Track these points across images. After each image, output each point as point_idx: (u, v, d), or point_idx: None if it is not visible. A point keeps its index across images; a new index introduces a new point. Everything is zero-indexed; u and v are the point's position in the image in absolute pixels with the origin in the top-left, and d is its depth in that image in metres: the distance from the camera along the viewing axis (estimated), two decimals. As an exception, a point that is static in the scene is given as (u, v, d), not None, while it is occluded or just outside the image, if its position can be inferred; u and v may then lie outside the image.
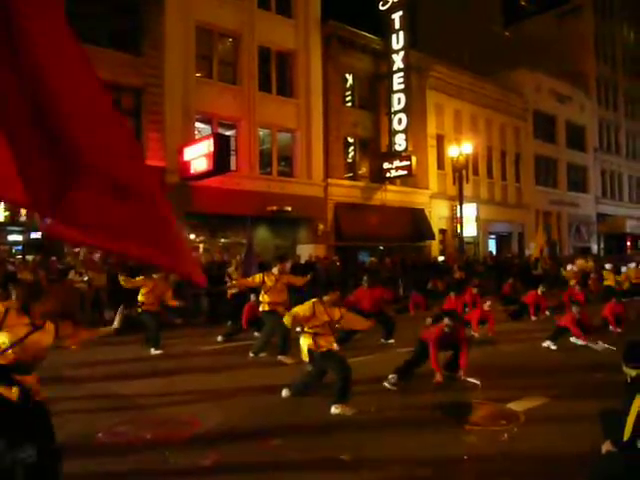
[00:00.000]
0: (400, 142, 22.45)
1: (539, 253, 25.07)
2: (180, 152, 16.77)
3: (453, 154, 23.32)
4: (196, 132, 18.01)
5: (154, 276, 9.47)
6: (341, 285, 7.24)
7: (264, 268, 11.83)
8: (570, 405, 6.03)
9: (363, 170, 23.18)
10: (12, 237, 16.27)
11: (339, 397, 5.80)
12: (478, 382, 6.94)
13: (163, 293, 9.55)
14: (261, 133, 19.65)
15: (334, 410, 5.75)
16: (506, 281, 16.27)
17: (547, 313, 13.19)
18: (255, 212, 17.73)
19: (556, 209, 33.46)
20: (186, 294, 11.88)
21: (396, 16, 22.38)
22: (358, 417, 5.64)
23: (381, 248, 22.49)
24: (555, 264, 23.06)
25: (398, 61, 22.46)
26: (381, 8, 22.88)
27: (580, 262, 21.56)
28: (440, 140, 25.90)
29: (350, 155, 23.00)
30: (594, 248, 35.88)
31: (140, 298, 9.35)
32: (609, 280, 17.40)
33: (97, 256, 14.39)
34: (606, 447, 3.58)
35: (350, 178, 22.48)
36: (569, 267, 20.41)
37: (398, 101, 22.47)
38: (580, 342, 9.28)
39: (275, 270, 8.86)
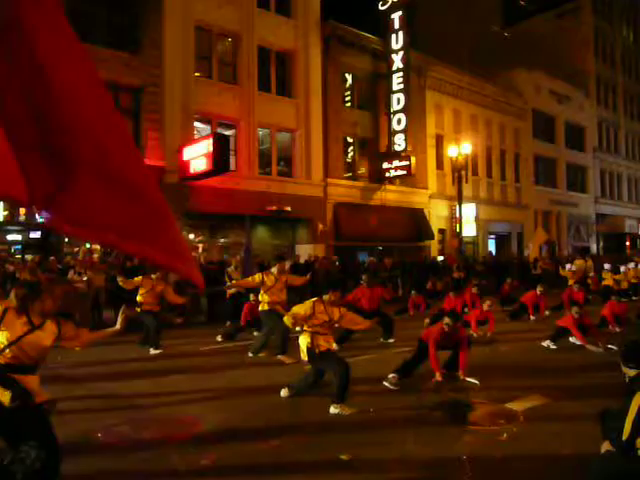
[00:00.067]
0: (399, 142, 22.47)
1: (538, 253, 25.11)
2: (179, 152, 16.77)
3: (452, 154, 23.32)
4: (195, 132, 18.01)
5: (152, 276, 9.47)
6: (341, 285, 7.23)
7: (263, 268, 11.86)
8: (569, 405, 6.04)
9: (362, 170, 23.18)
10: (11, 237, 16.27)
11: (338, 397, 5.80)
12: (477, 382, 6.94)
13: (163, 293, 9.55)
14: (260, 133, 19.65)
15: (333, 410, 5.75)
16: (505, 281, 16.26)
17: (547, 313, 13.19)
18: (254, 212, 17.72)
19: (555, 209, 33.51)
20: (186, 293, 11.86)
21: (395, 16, 22.41)
22: (357, 417, 5.65)
23: (380, 248, 22.50)
24: (554, 264, 23.07)
25: (397, 61, 22.48)
26: (380, 8, 22.90)
27: (579, 262, 21.56)
28: (439, 140, 25.92)
29: (349, 155, 23.01)
30: (593, 248, 35.91)
31: (139, 298, 9.35)
32: (608, 280, 17.41)
33: (96, 256, 14.41)
34: (605, 447, 3.58)
35: (349, 178, 22.48)
36: (567, 266, 20.40)
37: (397, 101, 22.50)
38: (579, 343, 9.28)
39: (274, 270, 8.86)
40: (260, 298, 8.74)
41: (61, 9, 2.29)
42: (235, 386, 7.10)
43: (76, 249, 15.47)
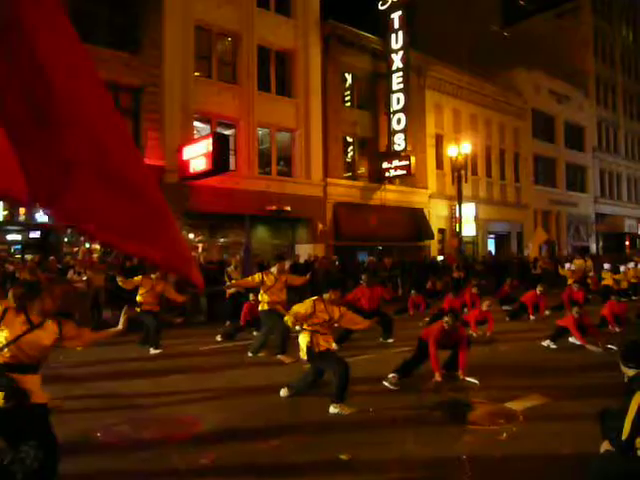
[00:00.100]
0: (399, 142, 22.47)
1: (538, 252, 25.11)
2: (179, 151, 16.76)
3: (452, 154, 23.32)
4: (195, 132, 18.01)
5: (152, 276, 9.47)
6: (341, 284, 7.23)
7: (263, 268, 11.86)
8: (569, 404, 6.05)
9: (362, 170, 23.18)
10: (11, 236, 16.27)
11: (337, 397, 5.80)
12: (477, 381, 6.95)
13: (163, 292, 9.55)
14: (260, 133, 19.65)
15: (333, 409, 5.75)
16: (505, 281, 16.26)
17: (547, 313, 13.20)
18: (254, 212, 17.72)
19: (555, 209, 33.52)
20: (186, 292, 11.86)
21: (395, 16, 22.40)
22: (357, 416, 5.65)
23: (380, 248, 22.49)
24: (554, 264, 23.07)
25: (397, 61, 22.48)
26: (380, 8, 22.90)
27: (578, 261, 21.57)
28: (439, 140, 25.93)
29: (349, 155, 23.00)
30: (593, 248, 35.92)
31: (139, 298, 9.35)
32: (607, 280, 17.41)
33: (95, 256, 14.41)
34: (605, 447, 3.59)
35: (349, 178, 22.48)
36: (567, 266, 20.42)
37: (397, 101, 22.50)
38: (579, 343, 9.28)
39: (274, 270, 8.86)
40: (260, 298, 8.74)
41: (62, 9, 2.29)
42: (235, 386, 7.10)
43: (76, 249, 15.48)
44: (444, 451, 4.72)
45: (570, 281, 16.74)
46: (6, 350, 3.44)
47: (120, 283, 9.45)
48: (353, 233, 21.16)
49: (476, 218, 26.03)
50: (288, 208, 19.10)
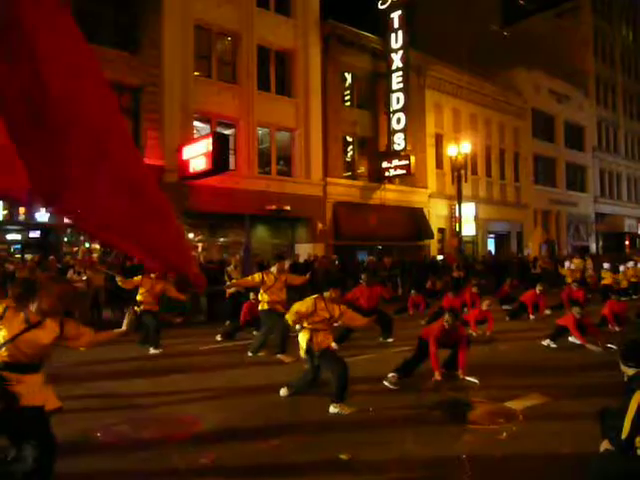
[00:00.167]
0: (399, 141, 22.47)
1: (538, 252, 25.13)
2: (179, 151, 16.77)
3: (452, 153, 23.32)
4: (195, 131, 18.01)
5: (152, 275, 9.45)
6: (341, 283, 7.23)
7: (263, 267, 11.85)
8: (569, 404, 6.05)
9: (362, 169, 23.18)
10: (10, 236, 16.27)
11: (337, 396, 5.80)
12: (477, 381, 6.95)
13: (163, 291, 9.54)
14: (260, 132, 19.65)
15: (332, 409, 5.75)
16: (504, 281, 16.27)
17: (547, 312, 13.20)
18: (254, 211, 17.73)
19: (555, 208, 33.52)
20: (185, 291, 11.86)
21: (395, 15, 22.40)
22: (357, 416, 5.65)
23: (380, 247, 22.50)
24: (554, 263, 23.08)
25: (397, 60, 22.48)
26: (380, 7, 22.89)
27: (577, 261, 21.58)
28: (439, 139, 25.93)
29: (349, 154, 23.01)
30: (592, 247, 35.94)
31: (139, 298, 9.34)
32: (607, 279, 17.42)
33: (95, 256, 14.41)
34: (604, 446, 3.59)
35: (349, 177, 22.48)
36: (566, 264, 20.46)
37: (397, 100, 22.50)
38: (578, 342, 9.28)
39: (274, 269, 8.86)
40: (260, 297, 8.73)
41: (66, 9, 2.29)
42: (234, 385, 7.10)
43: (75, 249, 15.49)
44: (444, 451, 4.72)
45: (569, 280, 16.77)
46: (4, 349, 3.43)
47: (120, 283, 9.45)
48: (353, 233, 21.16)
49: (476, 218, 26.04)
50: (288, 208, 19.11)
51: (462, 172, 22.90)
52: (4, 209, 15.04)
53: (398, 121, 22.48)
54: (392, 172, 22.58)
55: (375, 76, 23.10)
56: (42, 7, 2.17)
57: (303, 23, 20.64)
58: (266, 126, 19.74)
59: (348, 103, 22.95)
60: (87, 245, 15.57)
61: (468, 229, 25.34)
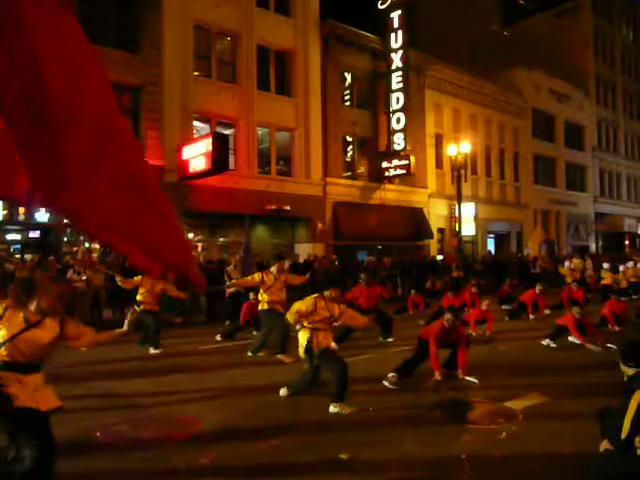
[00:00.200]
0: (399, 141, 22.47)
1: (537, 252, 25.13)
2: (179, 151, 16.76)
3: (452, 153, 23.32)
4: (194, 131, 18.01)
5: (152, 275, 9.44)
6: (341, 282, 7.24)
7: (263, 267, 11.85)
8: (568, 403, 6.05)
9: (362, 169, 23.18)
10: (10, 236, 16.27)
11: (337, 396, 5.80)
12: (476, 381, 6.94)
13: (164, 291, 9.52)
14: (260, 132, 19.64)
15: (332, 409, 5.75)
16: (504, 280, 16.28)
17: (547, 312, 13.20)
18: (254, 211, 17.73)
19: (555, 208, 33.53)
20: (185, 291, 11.85)
21: (395, 15, 22.40)
22: (357, 416, 5.65)
23: (379, 247, 22.50)
24: (553, 263, 23.09)
25: (397, 60, 22.48)
26: (380, 7, 22.89)
27: (576, 261, 21.60)
28: (439, 139, 25.93)
29: (349, 154, 23.01)
30: (592, 247, 35.94)
31: (139, 298, 9.34)
32: (607, 279, 17.42)
33: (95, 256, 14.41)
34: (604, 445, 3.59)
35: (349, 177, 22.48)
36: (566, 264, 20.49)
37: (397, 100, 22.50)
38: (578, 342, 9.28)
39: (274, 269, 8.86)
40: (260, 297, 8.73)
41: (67, 10, 2.28)
42: (234, 385, 7.10)
43: (75, 248, 15.49)
44: (444, 450, 4.72)
45: (569, 280, 16.78)
46: (3, 349, 3.42)
47: (119, 283, 9.44)
48: (352, 232, 21.16)
49: (475, 217, 26.04)
50: (288, 207, 19.10)
51: (462, 172, 22.91)
52: (4, 209, 15.05)
53: (398, 121, 22.48)
54: (392, 172, 22.58)
55: (375, 76, 23.10)
56: (42, 7, 2.17)
57: (303, 23, 20.63)
58: (266, 126, 19.74)
59: (348, 103, 22.95)
60: (87, 245, 15.58)
61: (468, 229, 25.34)
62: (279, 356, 8.50)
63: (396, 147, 22.51)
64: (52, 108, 2.20)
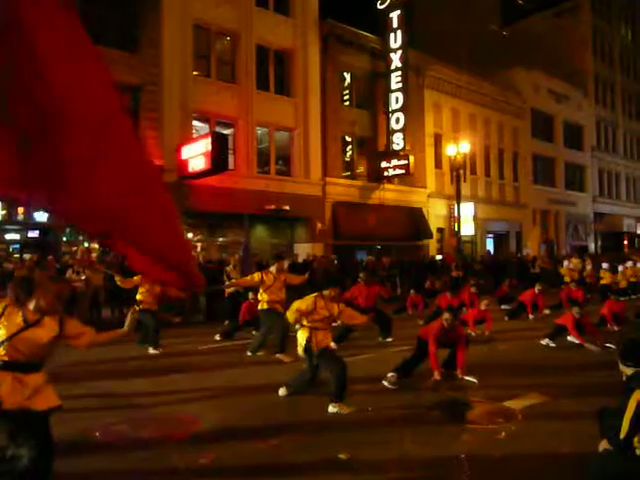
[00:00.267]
0: (398, 141, 22.47)
1: (537, 251, 25.15)
2: (178, 151, 16.75)
3: (451, 153, 23.33)
4: (194, 131, 18.00)
5: (151, 275, 9.41)
6: (340, 282, 7.25)
7: (262, 267, 11.84)
8: (568, 403, 6.05)
9: (361, 169, 23.18)
10: (9, 236, 16.25)
11: (337, 396, 5.80)
12: (476, 380, 6.95)
13: (163, 291, 9.50)
14: (259, 132, 19.63)
15: (331, 409, 5.75)
16: (503, 280, 16.29)
17: (547, 312, 13.21)
18: (253, 211, 17.73)
19: (554, 208, 33.54)
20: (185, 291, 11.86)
21: (394, 15, 22.40)
22: (356, 416, 5.65)
23: (379, 247, 22.50)
24: (553, 263, 23.11)
25: (396, 60, 22.48)
26: (379, 7, 22.89)
27: (575, 260, 21.63)
28: (438, 139, 25.93)
29: (348, 154, 23.01)
30: (591, 247, 35.97)
31: (139, 297, 9.33)
32: (606, 279, 17.44)
33: (94, 255, 14.40)
34: (603, 445, 3.59)
35: (348, 177, 22.48)
36: (565, 263, 20.52)
37: (396, 100, 22.50)
38: (577, 342, 9.29)
39: (273, 269, 8.86)
40: (259, 297, 8.74)
41: (70, 10, 2.28)
42: (233, 385, 7.10)
43: (74, 248, 15.48)
44: (443, 450, 4.72)
45: (568, 280, 16.81)
46: (2, 348, 3.42)
47: (119, 282, 9.43)
48: (352, 232, 21.16)
49: (475, 217, 26.05)
50: (287, 207, 19.10)
51: (461, 172, 22.92)
52: (3, 209, 15.03)
53: (397, 121, 22.48)
54: (391, 172, 22.58)
55: (374, 76, 23.10)
56: (43, 7, 2.16)
57: (302, 23, 20.63)
58: (265, 126, 19.73)
59: (347, 103, 22.94)
60: (86, 245, 15.57)
61: (467, 229, 25.34)
62: (278, 355, 8.50)
63: (395, 147, 22.51)
64: (53, 108, 2.20)
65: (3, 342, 3.42)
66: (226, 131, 18.09)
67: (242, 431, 5.27)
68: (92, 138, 2.32)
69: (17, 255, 15.51)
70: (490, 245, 29.47)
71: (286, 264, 11.46)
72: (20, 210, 15.16)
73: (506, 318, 12.88)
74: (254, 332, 10.14)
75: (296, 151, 20.50)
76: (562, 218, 34.17)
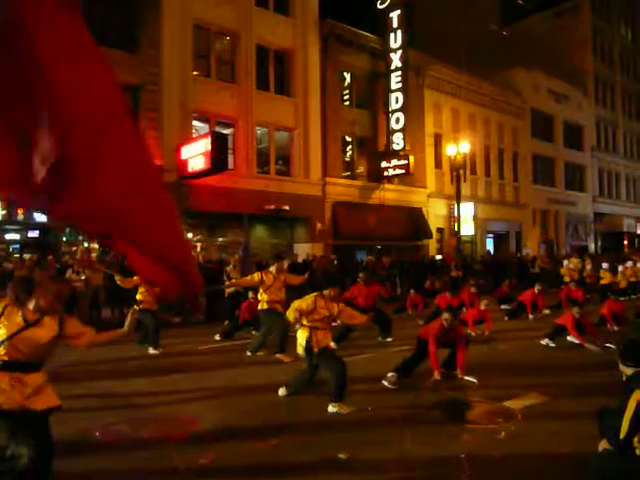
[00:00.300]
0: (398, 141, 22.47)
1: (536, 251, 25.15)
2: (177, 151, 16.75)
3: (451, 153, 23.32)
4: (193, 131, 17.99)
5: (151, 275, 9.41)
6: (339, 282, 7.25)
7: (262, 267, 11.84)
8: (567, 403, 6.05)
9: (361, 169, 23.18)
10: (9, 236, 16.25)
11: (336, 396, 5.80)
12: (475, 380, 6.95)
13: (163, 291, 9.49)
14: (259, 132, 19.63)
15: (331, 409, 5.75)
16: (503, 280, 16.29)
17: (547, 312, 13.21)
18: (253, 211, 17.73)
19: (554, 208, 33.54)
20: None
21: (394, 15, 22.40)
22: (356, 415, 5.65)
23: (379, 247, 22.50)
24: (553, 263, 23.11)
25: (396, 60, 22.48)
26: (379, 7, 22.89)
27: (575, 260, 21.63)
28: (438, 139, 25.93)
29: (348, 154, 23.01)
30: (591, 247, 35.97)
31: (139, 297, 9.34)
32: (606, 279, 17.44)
33: (94, 255, 14.39)
34: (603, 445, 3.59)
35: (348, 177, 22.48)
36: (565, 263, 20.52)
37: (396, 100, 22.50)
38: (577, 342, 9.29)
39: (273, 269, 8.86)
40: (259, 297, 8.74)
41: (72, 11, 2.28)
42: (233, 385, 7.10)
43: (74, 248, 15.47)
44: (443, 450, 4.72)
45: (568, 279, 16.81)
46: (1, 348, 3.42)
47: (119, 282, 9.43)
48: (352, 232, 21.16)
49: (475, 217, 26.05)
50: (287, 207, 19.10)
51: (461, 172, 22.90)
52: (3, 209, 15.03)
53: (397, 121, 22.49)
54: (391, 172, 22.58)
55: (374, 76, 23.10)
56: (45, 7, 2.16)
57: (302, 22, 20.63)
58: (265, 126, 19.73)
59: (347, 103, 22.94)
60: (86, 245, 15.57)
61: (467, 229, 25.35)
62: (278, 355, 8.50)
63: (395, 147, 22.51)
64: (54, 108, 2.20)
65: (3, 342, 3.42)
66: (226, 131, 18.09)
67: (242, 431, 5.27)
68: (93, 138, 2.31)
69: (17, 255, 15.51)
70: (490, 245, 29.47)
71: (286, 264, 11.45)
72: (20, 210, 15.15)
73: (506, 318, 12.89)
74: (254, 332, 10.15)
75: (296, 151, 20.49)
76: (562, 218, 34.17)
